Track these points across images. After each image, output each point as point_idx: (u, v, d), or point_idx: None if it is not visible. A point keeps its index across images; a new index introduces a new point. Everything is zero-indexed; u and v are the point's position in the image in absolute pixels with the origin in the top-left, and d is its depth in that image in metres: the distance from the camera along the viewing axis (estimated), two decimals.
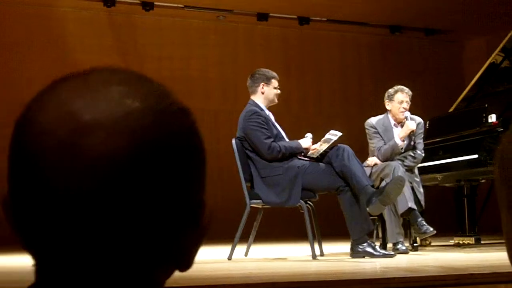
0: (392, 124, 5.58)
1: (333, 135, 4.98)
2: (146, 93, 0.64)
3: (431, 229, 5.16)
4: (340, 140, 5.00)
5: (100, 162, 0.59)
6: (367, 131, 5.62)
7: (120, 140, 0.60)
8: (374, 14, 9.75)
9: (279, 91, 5.17)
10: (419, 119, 5.61)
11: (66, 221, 0.59)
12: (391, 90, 5.62)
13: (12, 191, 0.63)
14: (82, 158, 0.59)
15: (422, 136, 5.61)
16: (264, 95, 5.10)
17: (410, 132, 5.43)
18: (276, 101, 5.18)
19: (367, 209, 4.74)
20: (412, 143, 5.53)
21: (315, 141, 5.09)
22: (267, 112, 5.11)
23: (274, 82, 5.14)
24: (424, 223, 5.18)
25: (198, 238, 0.68)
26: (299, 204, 4.83)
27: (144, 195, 0.60)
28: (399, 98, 5.55)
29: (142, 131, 0.61)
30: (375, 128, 5.56)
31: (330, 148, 4.96)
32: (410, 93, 5.60)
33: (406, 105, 5.54)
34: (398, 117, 5.55)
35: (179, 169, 0.63)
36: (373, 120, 5.62)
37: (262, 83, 5.11)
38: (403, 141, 5.45)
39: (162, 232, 0.62)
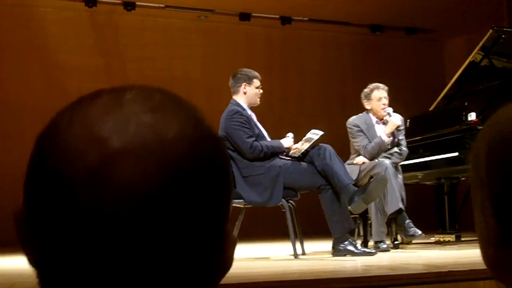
0: (374, 122, 5.62)
1: (314, 134, 5.01)
2: (182, 120, 0.62)
3: (419, 232, 5.18)
4: (321, 139, 5.03)
5: (129, 190, 0.57)
6: (349, 130, 5.63)
7: (152, 169, 0.58)
8: (355, 14, 9.79)
9: (261, 91, 5.19)
10: (400, 116, 5.65)
11: (90, 247, 0.58)
12: (366, 90, 5.66)
13: (34, 209, 0.60)
14: (110, 186, 0.57)
15: (404, 132, 5.66)
16: (246, 95, 5.12)
17: (396, 127, 5.46)
18: (258, 102, 5.19)
19: (349, 207, 4.77)
20: (396, 139, 5.57)
21: (296, 140, 5.12)
22: (249, 111, 5.13)
23: (256, 82, 5.15)
24: (412, 225, 5.20)
25: (222, 268, 0.66)
26: (281, 203, 4.85)
27: (172, 225, 0.58)
28: (377, 96, 5.59)
29: (175, 161, 0.59)
30: (358, 127, 5.58)
31: (312, 147, 4.99)
32: (386, 88, 5.64)
33: (385, 101, 5.57)
34: (380, 114, 5.58)
35: (210, 199, 0.61)
36: (355, 119, 5.65)
37: (244, 83, 5.12)
38: (390, 137, 5.48)
39: (186, 262, 0.60)
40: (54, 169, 0.59)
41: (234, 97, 5.16)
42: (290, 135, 5.12)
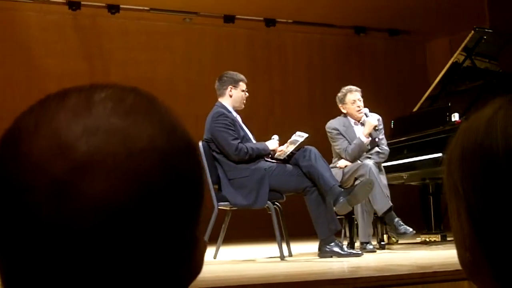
0: (352, 123, 5.65)
1: (300, 136, 5.03)
2: (154, 127, 0.59)
3: (410, 229, 5.20)
4: (306, 141, 5.05)
5: (94, 204, 0.55)
6: (329, 134, 5.67)
7: (119, 183, 0.55)
8: (339, 16, 9.83)
9: (247, 94, 5.19)
10: (377, 116, 5.69)
11: (52, 261, 0.56)
12: (340, 94, 5.69)
13: None
14: (75, 199, 0.55)
15: (383, 131, 5.69)
16: (232, 98, 5.12)
17: (374, 127, 5.49)
18: (243, 106, 5.20)
19: (334, 208, 4.79)
20: (376, 139, 5.60)
21: (281, 143, 5.13)
22: (235, 114, 5.13)
23: (242, 85, 5.16)
24: (402, 223, 5.22)
25: (191, 274, 0.64)
26: (266, 205, 4.86)
27: (139, 238, 0.57)
28: (351, 99, 5.62)
29: (145, 174, 0.56)
30: (337, 130, 5.62)
31: (297, 149, 5.00)
32: (359, 89, 5.67)
33: (359, 103, 5.60)
34: (357, 117, 5.62)
35: (180, 210, 0.59)
36: (333, 122, 5.69)
37: (230, 86, 5.12)
38: (368, 137, 5.51)
39: (155, 271, 0.59)
40: (16, 179, 0.56)
41: (220, 99, 5.16)
42: (275, 137, 5.14)
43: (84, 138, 0.56)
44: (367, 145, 5.51)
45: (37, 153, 0.56)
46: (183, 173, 0.60)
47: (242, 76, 5.20)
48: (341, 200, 4.70)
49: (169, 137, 0.60)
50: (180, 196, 0.59)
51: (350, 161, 5.48)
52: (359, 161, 5.44)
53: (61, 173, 0.55)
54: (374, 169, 5.23)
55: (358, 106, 5.57)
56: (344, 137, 5.58)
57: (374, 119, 5.51)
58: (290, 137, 5.10)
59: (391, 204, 5.22)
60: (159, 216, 0.57)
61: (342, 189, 4.81)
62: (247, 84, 5.23)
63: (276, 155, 5.03)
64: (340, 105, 5.68)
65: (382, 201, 5.20)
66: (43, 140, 0.57)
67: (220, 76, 5.21)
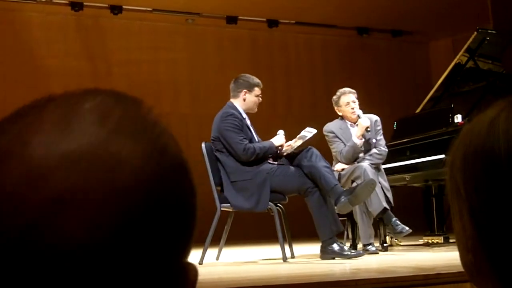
0: (349, 125, 5.66)
1: (308, 132, 5.02)
2: (143, 155, 0.53)
3: (407, 228, 5.21)
4: (314, 137, 5.05)
5: (73, 243, 0.50)
6: (326, 137, 5.70)
7: (101, 219, 0.50)
8: (341, 16, 9.82)
9: (260, 99, 5.19)
10: (375, 117, 5.70)
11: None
12: (334, 97, 5.71)
13: None
14: (49, 239, 0.49)
15: (381, 132, 5.69)
16: (245, 102, 5.13)
17: (366, 129, 5.49)
18: (256, 110, 5.20)
19: (335, 207, 4.78)
20: (373, 140, 5.60)
21: (287, 139, 5.12)
22: (244, 115, 5.12)
23: (257, 90, 5.15)
24: (399, 222, 5.23)
25: None
26: (269, 207, 4.86)
27: (123, 274, 0.51)
28: (345, 101, 5.63)
29: (130, 208, 0.51)
30: (333, 133, 5.65)
31: (299, 150, 4.99)
32: (353, 91, 5.68)
33: (353, 105, 5.61)
34: (351, 119, 5.63)
35: (167, 241, 0.54)
36: (330, 125, 5.71)
37: (245, 90, 5.12)
38: (361, 139, 5.52)
39: None
40: None
41: (232, 100, 5.15)
42: (281, 132, 5.13)
43: (61, 168, 0.50)
44: (361, 147, 5.52)
45: (9, 185, 0.50)
46: (172, 201, 0.54)
47: (258, 81, 5.18)
48: (343, 200, 4.70)
49: (158, 161, 0.54)
50: (167, 227, 0.54)
51: (345, 163, 5.50)
52: (355, 163, 5.45)
53: (34, 208, 0.49)
54: (369, 171, 5.24)
55: (352, 108, 5.59)
56: (341, 139, 5.60)
57: (366, 120, 5.51)
58: (294, 137, 5.09)
59: (385, 205, 5.22)
60: (143, 252, 0.52)
61: (344, 189, 4.80)
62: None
63: (283, 149, 5.02)
64: (335, 108, 5.71)
65: (377, 203, 5.21)
66: (16, 170, 0.51)
67: (236, 78, 5.21)
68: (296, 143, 5.00)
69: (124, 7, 8.97)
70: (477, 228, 0.71)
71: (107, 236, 0.50)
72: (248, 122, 5.15)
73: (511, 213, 0.68)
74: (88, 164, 0.50)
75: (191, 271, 0.59)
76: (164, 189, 0.54)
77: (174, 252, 0.56)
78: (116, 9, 8.96)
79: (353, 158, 5.51)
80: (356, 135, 5.51)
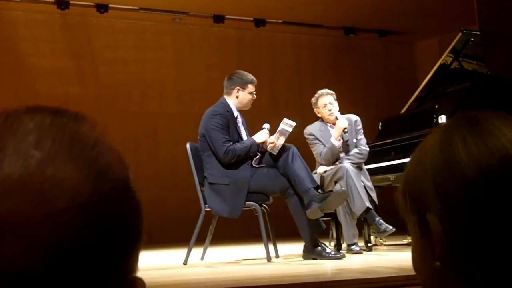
0: (329, 127, 5.69)
1: (288, 125, 4.97)
2: (79, 179, 0.52)
3: (390, 227, 5.23)
4: (294, 131, 5.02)
5: (7, 274, 0.48)
6: (307, 140, 5.74)
7: (35, 249, 0.49)
8: (329, 16, 9.85)
9: (254, 97, 5.18)
10: (355, 117, 5.74)
11: None
12: (313, 99, 5.75)
13: None
14: None
15: (362, 132, 5.71)
16: (239, 99, 5.10)
17: (343, 130, 5.51)
18: (250, 106, 5.19)
19: (306, 212, 4.74)
20: (354, 140, 5.63)
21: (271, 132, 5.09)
22: (236, 113, 5.10)
23: (250, 88, 5.14)
24: (382, 221, 5.25)
25: None
26: (253, 207, 4.86)
27: None
28: (323, 102, 5.66)
29: (66, 236, 0.50)
30: (313, 135, 5.68)
31: (284, 147, 4.96)
32: (332, 92, 5.69)
33: (331, 106, 5.63)
34: (329, 120, 5.66)
35: (108, 262, 0.53)
36: (309, 128, 5.75)
37: (238, 87, 5.10)
38: (339, 140, 5.54)
39: None
40: None
41: (226, 96, 5.13)
42: (266, 125, 5.09)
43: None
44: (339, 148, 5.55)
45: None
46: (112, 220, 0.53)
47: (252, 78, 5.16)
48: (313, 206, 4.67)
49: (95, 183, 0.52)
50: (109, 247, 0.53)
51: (326, 165, 5.52)
52: (337, 164, 5.47)
53: None
54: (352, 171, 5.27)
55: (329, 110, 5.61)
56: (321, 141, 5.62)
57: (343, 122, 5.53)
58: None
59: (367, 205, 5.24)
60: (84, 274, 0.51)
61: (317, 194, 4.77)
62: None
63: (268, 148, 4.98)
64: (314, 109, 5.75)
65: (359, 203, 5.23)
66: None
67: (231, 75, 5.18)
68: (279, 140, 4.95)
69: (110, 5, 8.94)
70: (448, 238, 0.75)
71: (44, 262, 0.49)
72: (240, 120, 5.13)
73: (482, 224, 0.73)
74: (22, 191, 0.49)
75: (139, 286, 0.58)
76: (103, 209, 0.52)
77: (118, 270, 0.54)
78: (102, 8, 8.93)
79: (332, 159, 5.54)
80: (334, 137, 5.54)
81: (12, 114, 0.55)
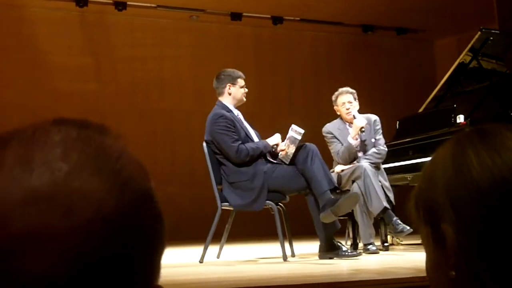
0: (347, 125, 5.67)
1: (297, 133, 4.97)
2: (104, 191, 0.53)
3: (408, 227, 5.21)
4: (304, 137, 5.03)
5: (33, 283, 0.50)
6: (325, 138, 5.72)
7: (60, 259, 0.50)
8: (346, 14, 9.81)
9: (246, 90, 5.18)
10: (374, 117, 5.71)
11: None
12: (333, 96, 5.74)
13: None
14: (11, 277, 0.50)
15: (381, 132, 5.69)
16: (232, 95, 5.11)
17: (360, 129, 5.49)
18: (244, 99, 5.18)
19: (320, 215, 4.74)
20: (372, 140, 5.61)
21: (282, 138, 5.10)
22: (236, 112, 5.11)
23: (240, 82, 5.14)
24: (400, 222, 5.23)
25: None
26: (269, 206, 4.86)
27: None
28: (341, 101, 5.65)
29: (90, 247, 0.51)
30: (331, 133, 5.67)
31: (298, 147, 4.97)
32: (351, 91, 5.68)
33: (349, 105, 5.61)
34: (347, 119, 5.65)
35: (131, 273, 0.54)
36: (328, 126, 5.73)
37: (229, 84, 5.10)
38: (356, 139, 5.53)
39: None
40: None
41: (220, 98, 5.15)
42: (277, 135, 5.12)
43: (22, 207, 0.51)
44: (356, 147, 5.53)
45: None
46: (135, 232, 0.55)
47: (239, 73, 5.18)
48: (327, 210, 4.67)
49: (120, 194, 0.54)
50: (132, 257, 0.55)
51: (343, 164, 5.51)
52: (355, 163, 5.45)
53: None
54: (369, 170, 5.25)
55: (347, 109, 5.59)
56: (339, 140, 5.61)
57: (360, 121, 5.51)
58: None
59: (385, 204, 5.22)
60: (109, 284, 0.53)
61: (331, 197, 4.74)
62: (253, 81, 5.24)
63: (280, 156, 5.00)
64: (334, 107, 5.73)
65: (377, 202, 5.21)
66: None
67: (217, 75, 5.20)
68: (290, 149, 4.95)
69: (128, 3, 8.98)
70: (462, 248, 0.77)
71: (69, 271, 0.50)
72: (241, 117, 5.13)
73: (496, 234, 0.75)
74: (49, 202, 0.51)
75: None
76: (127, 220, 0.54)
77: (140, 279, 0.56)
78: (120, 5, 8.97)
79: (349, 159, 5.52)
80: (351, 136, 5.52)
81: (39, 127, 0.57)
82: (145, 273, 0.57)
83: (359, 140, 5.55)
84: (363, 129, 5.50)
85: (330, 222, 4.77)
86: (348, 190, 5.14)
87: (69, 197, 0.52)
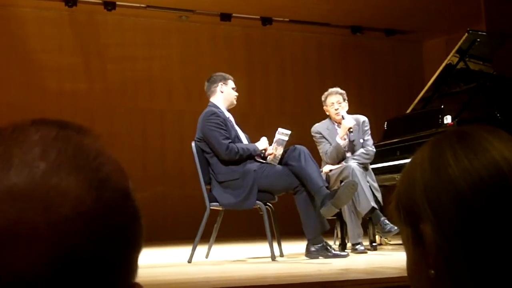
0: (336, 126, 5.71)
1: (284, 134, 5.02)
2: (82, 188, 0.54)
3: (395, 227, 5.23)
4: (291, 138, 5.07)
5: (14, 278, 0.51)
6: (314, 138, 5.76)
7: (41, 255, 0.51)
8: (335, 15, 9.84)
9: (236, 93, 5.23)
10: (363, 118, 5.75)
11: None
12: (323, 97, 5.79)
13: None
14: None
15: (369, 132, 5.73)
16: (224, 94, 5.15)
17: (348, 129, 5.53)
18: (235, 102, 5.23)
19: (320, 210, 4.79)
20: (361, 140, 5.65)
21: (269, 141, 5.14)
22: (227, 114, 5.15)
23: (231, 83, 5.21)
24: (388, 222, 5.26)
25: None
26: (258, 206, 4.88)
27: None
28: (330, 101, 5.69)
29: (69, 242, 0.52)
30: (320, 133, 5.71)
31: (286, 148, 5.02)
32: (341, 91, 5.71)
33: (338, 105, 5.65)
34: (335, 119, 5.68)
35: (110, 268, 0.56)
36: (317, 126, 5.77)
37: (221, 83, 5.16)
38: (345, 139, 5.56)
39: None
40: None
41: (211, 99, 5.19)
42: (264, 138, 5.16)
43: (1, 204, 0.51)
44: (344, 147, 5.57)
45: None
46: (113, 230, 0.56)
47: (230, 76, 5.25)
48: (327, 203, 4.71)
49: (97, 192, 0.55)
50: (109, 254, 0.55)
51: (331, 164, 5.55)
52: (343, 163, 5.49)
53: None
54: (358, 170, 5.29)
55: (336, 109, 5.63)
56: (327, 140, 5.65)
57: (348, 121, 5.54)
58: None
59: (373, 204, 5.25)
60: (87, 280, 0.54)
61: (329, 192, 4.82)
62: (243, 82, 5.28)
63: (269, 159, 5.04)
64: (324, 107, 5.76)
65: (365, 202, 5.24)
66: None
67: (209, 77, 5.27)
68: (277, 151, 5.00)
69: (117, 3, 8.96)
70: (441, 247, 0.79)
71: (49, 267, 0.51)
72: (232, 120, 5.17)
73: (473, 233, 0.76)
74: (27, 199, 0.52)
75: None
76: (105, 217, 0.55)
77: (118, 276, 0.57)
78: (109, 5, 8.96)
79: (338, 159, 5.56)
80: (339, 136, 5.56)
81: (19, 126, 0.58)
82: (123, 270, 0.58)
83: (347, 140, 5.59)
84: (351, 130, 5.54)
85: (320, 222, 4.80)
86: (336, 191, 5.17)
87: (47, 194, 0.53)
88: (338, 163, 5.57)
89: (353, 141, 5.62)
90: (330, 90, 5.76)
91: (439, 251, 0.79)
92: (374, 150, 5.68)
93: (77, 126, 0.60)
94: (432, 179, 0.80)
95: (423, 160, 0.83)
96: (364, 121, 5.72)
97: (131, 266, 0.59)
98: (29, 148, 0.55)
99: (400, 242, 6.15)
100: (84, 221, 0.53)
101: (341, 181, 5.32)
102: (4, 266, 0.50)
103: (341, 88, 5.83)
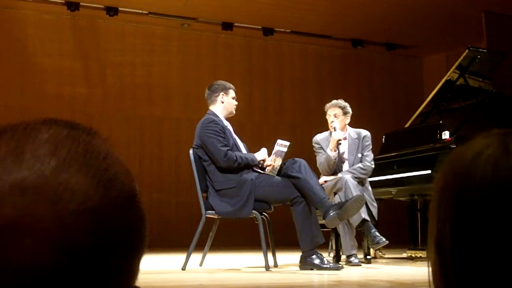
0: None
1: (283, 146, 5.03)
2: (90, 185, 0.55)
3: (384, 239, 5.26)
4: (290, 150, 5.07)
5: (20, 270, 0.51)
6: (313, 147, 5.77)
7: (46, 248, 0.52)
8: (336, 27, 9.88)
9: (236, 102, 5.25)
10: (364, 132, 5.77)
11: None
12: (325, 107, 5.79)
13: None
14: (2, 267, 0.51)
15: (370, 148, 5.74)
16: (224, 104, 5.16)
17: (337, 141, 5.54)
18: (234, 112, 5.24)
19: (324, 221, 4.79)
20: (359, 155, 5.67)
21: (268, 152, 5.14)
22: (225, 122, 5.16)
23: (232, 93, 5.21)
24: (378, 234, 5.28)
25: None
26: (254, 215, 4.87)
27: None
28: (328, 113, 5.74)
29: (76, 237, 0.53)
30: (319, 144, 5.74)
31: (285, 160, 5.02)
32: (342, 105, 5.74)
33: (333, 118, 5.68)
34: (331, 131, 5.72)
35: (114, 267, 0.56)
36: (318, 137, 5.81)
37: (222, 93, 5.17)
38: (335, 151, 5.57)
39: None
40: None
41: (211, 107, 5.19)
42: (264, 150, 5.16)
43: (10, 197, 0.52)
44: (334, 159, 5.58)
45: None
46: (118, 229, 0.57)
47: (231, 85, 5.26)
48: (332, 214, 4.71)
49: (105, 190, 0.56)
50: (114, 253, 0.56)
51: (324, 175, 5.60)
52: (339, 175, 5.50)
53: None
54: (351, 182, 5.30)
55: (331, 122, 5.67)
56: (325, 151, 5.67)
57: (337, 134, 5.57)
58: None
59: (363, 216, 5.26)
60: (89, 277, 0.54)
61: (333, 203, 4.82)
62: (242, 91, 5.29)
63: (267, 170, 5.03)
64: (326, 116, 5.80)
65: (356, 214, 5.25)
66: None
67: (210, 85, 5.26)
68: (276, 162, 5.00)
69: (120, 9, 8.98)
70: (440, 254, 0.76)
71: (54, 260, 0.52)
72: (231, 129, 5.18)
73: (467, 231, 0.72)
74: (36, 192, 0.53)
75: None
76: (111, 215, 0.56)
77: (120, 277, 0.57)
78: (112, 11, 8.97)
79: (329, 169, 5.59)
80: (329, 147, 5.59)
81: (31, 123, 0.59)
82: (125, 271, 0.58)
83: (337, 151, 5.61)
84: (340, 142, 5.58)
85: (315, 234, 4.79)
86: (344, 203, 5.17)
87: (56, 189, 0.54)
88: (333, 174, 5.58)
89: (343, 153, 5.65)
90: (332, 102, 5.79)
91: (438, 260, 0.76)
92: (373, 166, 5.68)
93: (87, 128, 0.62)
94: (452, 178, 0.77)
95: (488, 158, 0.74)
96: (365, 136, 5.74)
97: (133, 268, 0.60)
98: (40, 144, 0.56)
99: (394, 255, 6.18)
100: (90, 217, 0.54)
101: (335, 193, 5.33)
102: (8, 258, 0.51)
103: None
